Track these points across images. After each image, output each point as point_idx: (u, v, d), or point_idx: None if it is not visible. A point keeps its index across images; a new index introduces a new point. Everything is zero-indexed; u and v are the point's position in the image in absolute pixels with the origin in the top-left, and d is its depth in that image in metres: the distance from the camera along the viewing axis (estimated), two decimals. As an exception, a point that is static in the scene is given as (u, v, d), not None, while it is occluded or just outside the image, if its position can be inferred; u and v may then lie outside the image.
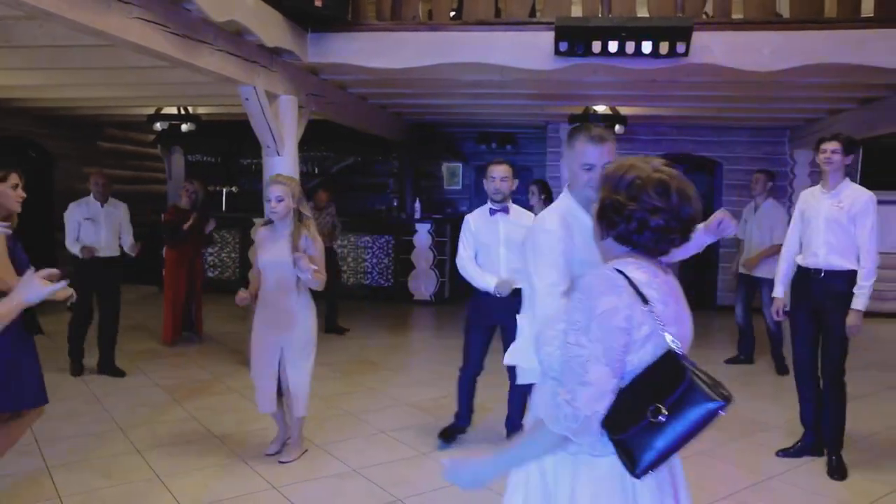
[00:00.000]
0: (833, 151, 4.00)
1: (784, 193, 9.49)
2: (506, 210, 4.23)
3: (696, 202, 1.66)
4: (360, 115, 8.19)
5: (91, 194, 5.91)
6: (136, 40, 3.70)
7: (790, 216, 4.67)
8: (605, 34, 5.02)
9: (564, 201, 2.38)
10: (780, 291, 4.26)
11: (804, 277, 4.12)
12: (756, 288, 6.40)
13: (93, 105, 8.50)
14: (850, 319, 3.89)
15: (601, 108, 8.11)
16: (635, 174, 1.66)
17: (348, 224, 9.13)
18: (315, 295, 7.57)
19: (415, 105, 8.72)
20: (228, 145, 11.10)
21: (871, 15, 5.07)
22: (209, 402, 5.15)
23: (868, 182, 9.07)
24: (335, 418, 4.87)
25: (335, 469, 4.01)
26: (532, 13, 5.66)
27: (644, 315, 1.58)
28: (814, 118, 8.44)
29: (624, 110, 8.32)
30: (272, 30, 4.96)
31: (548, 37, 5.17)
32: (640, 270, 1.63)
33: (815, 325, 4.11)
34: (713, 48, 5.11)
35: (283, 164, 5.74)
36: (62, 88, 7.05)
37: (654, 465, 1.54)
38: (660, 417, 1.50)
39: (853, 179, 9.29)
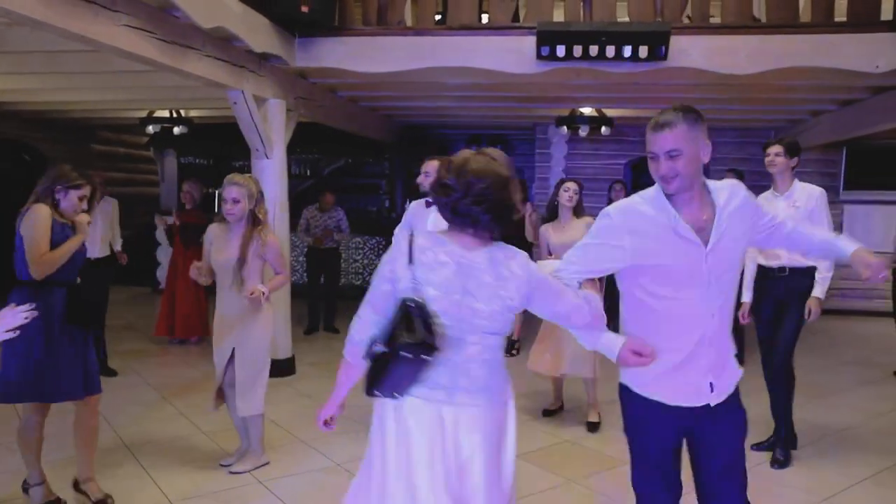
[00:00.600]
0: (776, 154, 4.19)
1: (769, 194, 9.63)
2: None
3: (477, 184, 1.96)
4: (351, 117, 8.29)
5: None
6: (124, 47, 3.81)
7: None
8: (586, 38, 5.14)
9: (649, 192, 2.24)
10: (747, 296, 4.37)
11: (767, 276, 4.26)
12: None
13: (86, 108, 8.59)
14: (813, 306, 4.08)
15: (587, 111, 8.23)
16: (450, 159, 2.04)
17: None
18: (316, 294, 7.71)
19: (404, 108, 8.84)
20: (220, 147, 11.19)
21: (844, 20, 5.20)
22: (198, 400, 5.23)
23: (852, 183, 9.37)
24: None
25: (320, 464, 4.11)
26: (515, 18, 5.77)
27: (405, 271, 1.97)
28: (797, 119, 8.58)
29: (611, 112, 8.45)
30: (260, 35, 5.07)
31: (530, 41, 5.29)
32: (428, 239, 2.02)
33: (776, 319, 4.24)
34: (691, 52, 5.23)
35: (272, 166, 5.85)
36: (55, 92, 7.15)
37: (380, 392, 2.02)
38: (376, 349, 1.95)
39: (836, 180, 9.45)
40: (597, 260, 2.23)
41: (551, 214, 4.87)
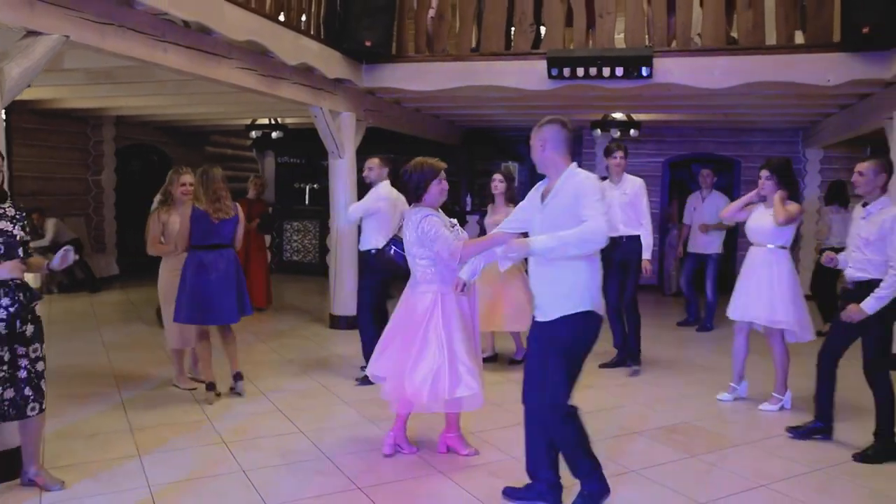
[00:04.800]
0: (621, 157, 5.75)
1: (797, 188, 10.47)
2: None
3: (429, 173, 3.70)
4: (416, 124, 9.83)
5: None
6: (237, 82, 5.49)
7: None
8: (586, 62, 6.45)
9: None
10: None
11: (612, 243, 5.61)
12: (703, 262, 7.79)
13: (202, 118, 10.54)
14: (645, 266, 5.73)
15: (619, 115, 9.43)
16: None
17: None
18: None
19: (460, 115, 10.31)
20: (311, 148, 12.97)
21: (802, 42, 6.28)
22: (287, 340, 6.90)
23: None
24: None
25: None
26: (536, 45, 7.12)
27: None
28: (814, 121, 9.47)
29: (643, 116, 9.62)
30: (333, 65, 6.68)
31: (543, 65, 6.63)
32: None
33: (622, 274, 5.85)
34: (673, 71, 6.45)
35: (343, 164, 7.48)
36: (180, 107, 9.05)
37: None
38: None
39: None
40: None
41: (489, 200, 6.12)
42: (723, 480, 3.77)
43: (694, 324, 7.87)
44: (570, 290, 3.14)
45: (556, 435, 3.23)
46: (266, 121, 10.61)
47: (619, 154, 5.78)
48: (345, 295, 7.52)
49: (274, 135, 10.77)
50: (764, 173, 4.82)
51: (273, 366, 6.06)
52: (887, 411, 4.07)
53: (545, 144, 3.22)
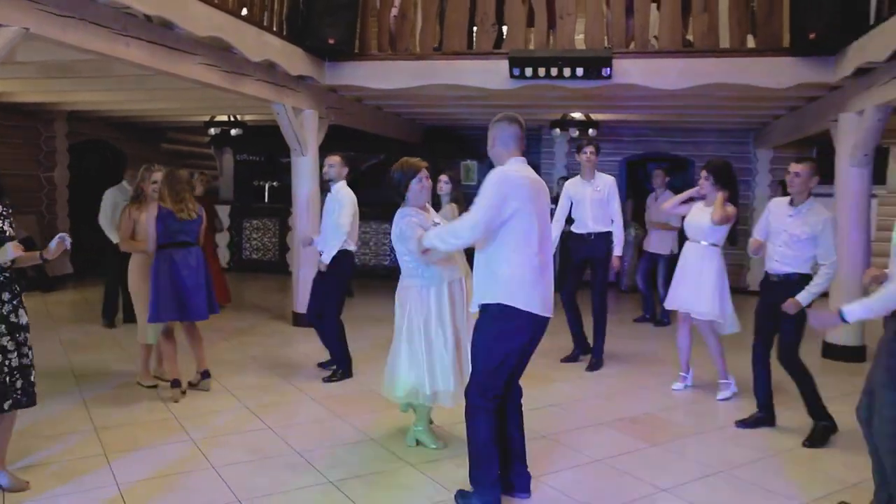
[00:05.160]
0: (591, 153, 5.87)
1: (748, 187, 10.82)
2: None
3: (409, 173, 3.83)
4: (377, 121, 9.84)
5: (124, 181, 7.26)
6: (200, 78, 5.43)
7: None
8: (547, 62, 6.56)
9: None
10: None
11: (578, 240, 5.97)
12: (656, 262, 8.05)
13: (159, 114, 10.36)
14: (615, 263, 5.90)
15: (577, 115, 9.59)
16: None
17: (374, 213, 10.57)
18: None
19: (422, 113, 10.35)
20: (271, 145, 12.83)
21: (754, 46, 6.50)
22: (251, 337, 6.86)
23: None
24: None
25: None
26: (499, 44, 7.21)
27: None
28: (764, 122, 9.79)
29: (602, 116, 9.80)
30: (296, 62, 6.66)
31: (505, 64, 6.71)
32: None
33: (583, 271, 6.06)
34: (631, 72, 6.60)
35: (306, 161, 7.45)
36: (138, 102, 8.87)
37: None
38: None
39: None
40: None
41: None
42: (685, 467, 3.91)
43: (650, 320, 8.07)
44: (485, 281, 3.24)
45: (467, 425, 3.27)
46: (225, 117, 10.48)
47: (590, 149, 5.89)
48: (307, 293, 7.47)
49: (233, 132, 10.62)
50: (703, 173, 5.12)
51: (237, 363, 6.03)
52: (810, 391, 4.32)
53: (494, 141, 3.36)
